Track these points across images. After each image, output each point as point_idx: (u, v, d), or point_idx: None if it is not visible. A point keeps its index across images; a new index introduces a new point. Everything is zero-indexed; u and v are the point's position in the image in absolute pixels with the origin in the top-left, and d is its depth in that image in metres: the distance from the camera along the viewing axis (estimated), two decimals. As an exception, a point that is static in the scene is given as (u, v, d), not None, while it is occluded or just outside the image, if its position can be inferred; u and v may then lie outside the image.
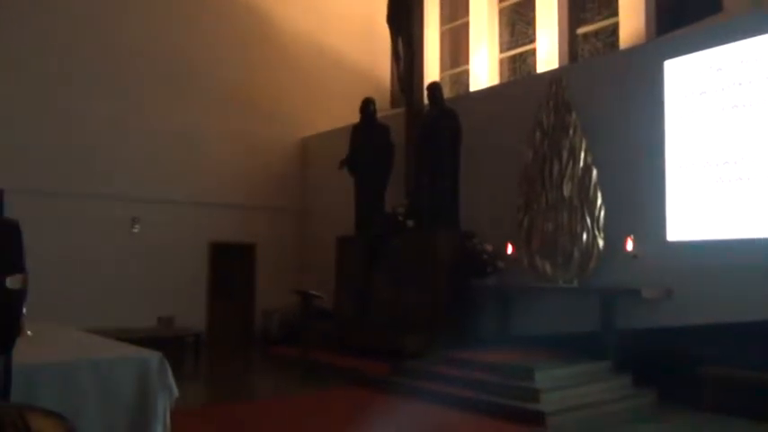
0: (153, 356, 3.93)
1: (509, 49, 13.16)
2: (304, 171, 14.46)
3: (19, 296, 2.03)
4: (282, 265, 13.69)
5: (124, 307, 11.39)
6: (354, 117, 12.13)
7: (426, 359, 8.71)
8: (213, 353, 12.10)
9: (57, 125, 11.36)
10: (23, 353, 3.27)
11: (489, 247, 9.72)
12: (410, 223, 10.70)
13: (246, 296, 13.60)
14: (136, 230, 12.18)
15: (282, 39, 14.08)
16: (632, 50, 9.49)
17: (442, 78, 13.98)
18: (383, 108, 13.38)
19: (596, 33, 11.54)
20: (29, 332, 4.66)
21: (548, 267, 9.11)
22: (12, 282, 2.01)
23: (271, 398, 8.54)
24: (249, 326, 13.51)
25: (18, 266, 2.04)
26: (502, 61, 13.24)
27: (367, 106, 11.90)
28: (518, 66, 13.02)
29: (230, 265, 13.42)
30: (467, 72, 13.84)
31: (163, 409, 3.90)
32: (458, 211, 10.45)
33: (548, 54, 11.83)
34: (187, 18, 12.81)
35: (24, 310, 4.68)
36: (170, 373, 3.98)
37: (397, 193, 11.53)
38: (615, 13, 11.04)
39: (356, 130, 12.02)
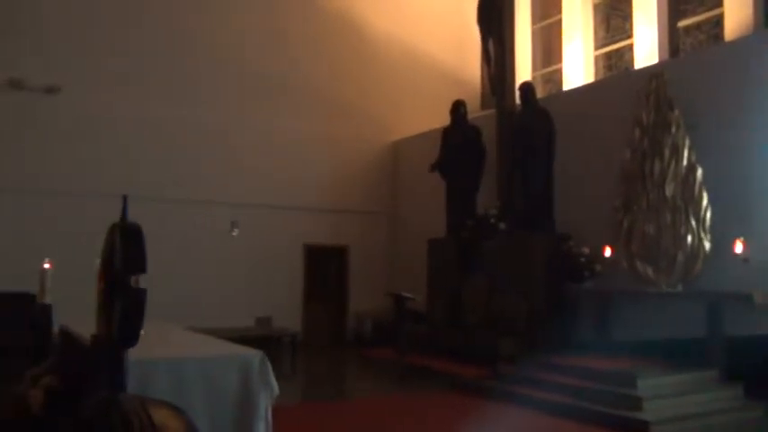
0: (255, 355, 4.06)
1: (604, 45, 12.74)
2: (395, 175, 14.56)
3: (144, 295, 2.16)
4: (374, 268, 13.84)
5: (224, 307, 11.84)
6: (445, 120, 12.10)
7: (522, 364, 8.56)
8: (308, 353, 12.37)
9: (162, 136, 11.96)
10: (137, 349, 3.47)
11: (586, 250, 9.43)
12: (502, 226, 10.55)
13: (339, 298, 13.84)
14: (235, 234, 12.66)
15: (373, 44, 14.26)
16: (739, 42, 8.97)
17: (533, 78, 13.70)
18: (474, 110, 13.27)
19: (699, 26, 10.97)
20: (141, 330, 4.95)
21: (649, 271, 8.73)
22: (136, 281, 2.14)
23: (366, 398, 8.63)
24: (342, 327, 13.74)
25: (141, 267, 2.17)
26: (597, 58, 12.82)
27: (457, 108, 11.84)
28: (614, 62, 12.58)
29: (324, 268, 13.71)
30: (560, 71, 13.50)
31: (264, 405, 4.02)
32: (552, 213, 10.21)
33: (647, 49, 11.36)
34: (278, 29, 13.19)
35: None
36: (271, 371, 4.10)
37: (488, 195, 11.40)
38: (719, 3, 10.47)
39: (447, 132, 11.99)
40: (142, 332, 4.83)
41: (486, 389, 8.18)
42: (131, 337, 2.18)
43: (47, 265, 5.49)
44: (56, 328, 5.37)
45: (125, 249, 2.12)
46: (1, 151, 10.61)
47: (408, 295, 10.04)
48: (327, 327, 13.59)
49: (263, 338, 10.87)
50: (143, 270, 2.17)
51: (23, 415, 3.65)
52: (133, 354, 3.17)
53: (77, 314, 4.26)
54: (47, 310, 5.43)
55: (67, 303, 5.77)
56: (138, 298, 2.14)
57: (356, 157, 14.05)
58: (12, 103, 10.77)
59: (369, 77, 14.09)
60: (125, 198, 2.46)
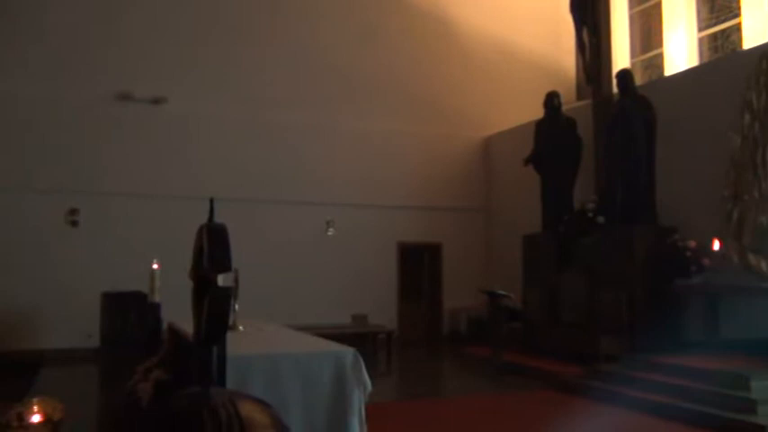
0: (348, 352, 4.13)
1: (709, 26, 12.03)
2: (488, 170, 14.39)
3: (228, 293, 2.25)
4: (468, 265, 13.73)
5: (321, 305, 12.14)
6: (538, 113, 11.83)
7: (624, 363, 8.23)
8: (404, 350, 12.45)
9: (260, 140, 12.39)
10: (236, 345, 3.62)
11: (692, 244, 8.94)
12: (601, 219, 10.19)
13: (434, 295, 13.84)
14: (330, 233, 12.94)
15: (463, 38, 14.14)
16: None
17: (632, 65, 13.15)
18: (569, 101, 12.91)
19: (816, -2, 10.15)
20: (240, 327, 5.15)
21: (763, 265, 8.16)
22: (222, 279, 2.24)
23: (463, 396, 8.58)
24: (437, 324, 13.73)
25: (226, 266, 2.26)
26: (701, 40, 12.13)
27: (551, 100, 11.54)
28: (720, 44, 11.85)
29: (418, 265, 13.75)
30: (660, 56, 12.88)
31: (358, 402, 4.08)
32: (654, 206, 9.75)
33: (756, 27, 10.63)
34: (369, 27, 13.34)
35: (237, 307, 5.19)
36: (364, 368, 4.15)
37: (585, 188, 11.05)
38: (840, -28, 9.66)
39: (540, 125, 11.71)
40: (241, 329, 5.04)
41: (585, 388, 7.94)
42: (217, 334, 2.27)
43: (155, 266, 5.80)
44: (164, 325, 5.66)
45: (211, 249, 2.22)
46: (113, 160, 11.36)
47: (503, 292, 9.89)
48: (422, 324, 13.63)
49: (359, 336, 11.08)
50: (228, 269, 2.26)
51: (134, 406, 3.89)
52: (231, 350, 3.31)
53: (184, 312, 4.49)
54: (156, 308, 5.74)
55: (175, 301, 6.08)
56: (223, 296, 2.23)
57: (449, 153, 13.99)
58: (122, 115, 11.51)
59: (460, 73, 14.00)
60: (212, 201, 2.57)
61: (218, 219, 2.55)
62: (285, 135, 12.60)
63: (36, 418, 3.11)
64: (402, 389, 9.51)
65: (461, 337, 12.94)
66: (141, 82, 11.60)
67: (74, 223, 11.18)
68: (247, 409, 1.21)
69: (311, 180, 12.71)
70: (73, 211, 11.18)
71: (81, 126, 11.26)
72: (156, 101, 11.67)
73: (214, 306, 2.02)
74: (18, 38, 10.94)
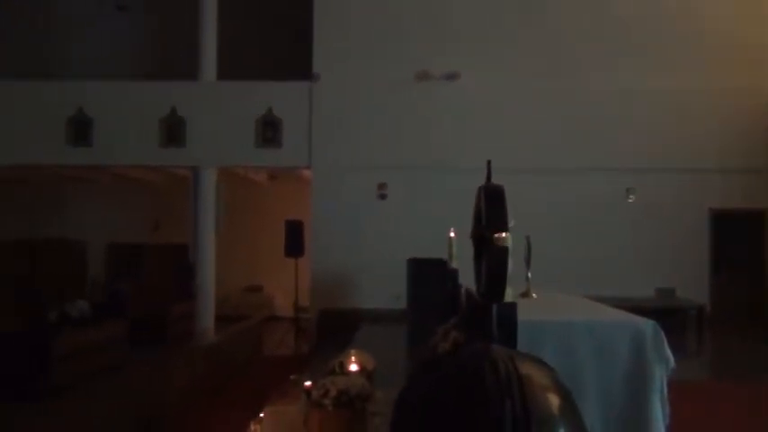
0: (646, 324, 3.89)
1: None
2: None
3: (505, 251, 2.29)
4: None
5: (622, 277, 11.58)
6: None
7: None
8: (716, 328, 11.26)
9: (554, 109, 12.17)
10: (528, 311, 3.66)
11: None
12: None
13: (755, 267, 12.21)
14: (631, 200, 12.21)
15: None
16: None
17: None
18: None
19: None
20: (534, 295, 5.18)
21: None
22: (498, 239, 2.28)
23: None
24: (760, 300, 12.11)
25: (503, 225, 2.30)
26: None
27: None
28: None
29: (734, 235, 12.24)
30: None
31: (660, 378, 3.83)
32: None
33: None
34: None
35: (529, 275, 5.23)
36: (666, 343, 3.88)
37: None
38: None
39: None
40: (534, 297, 5.07)
41: None
42: (496, 293, 2.32)
43: (452, 234, 6.12)
44: (462, 289, 5.95)
45: (488, 209, 2.27)
46: (410, 135, 12.21)
47: None
48: (741, 300, 12.14)
49: (664, 310, 10.31)
50: (505, 228, 2.29)
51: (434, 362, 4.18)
52: (523, 315, 3.36)
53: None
54: (454, 274, 6.06)
55: (471, 267, 6.35)
56: (500, 255, 2.26)
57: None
58: (418, 93, 12.27)
59: None
60: (489, 162, 2.61)
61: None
62: (581, 101, 12.18)
63: (354, 368, 3.55)
64: (713, 369, 8.66)
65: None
66: (437, 60, 12.21)
67: (382, 196, 12.32)
68: (527, 368, 1.23)
69: (609, 146, 12.10)
70: (381, 186, 12.32)
71: (386, 105, 12.30)
72: (450, 77, 12.18)
73: (491, 264, 2.07)
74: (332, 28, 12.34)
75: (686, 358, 3.67)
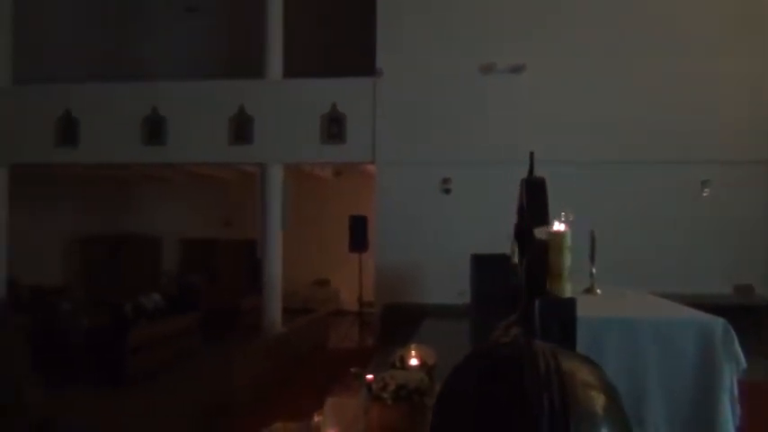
0: (716, 322, 3.76)
1: None
2: None
3: (543, 245, 2.26)
4: None
5: (696, 273, 11.14)
6: None
7: None
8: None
9: (624, 101, 11.81)
10: (590, 308, 3.60)
11: None
12: None
13: (844, 265, 11.53)
14: (705, 194, 11.73)
15: None
16: None
17: None
18: None
19: None
20: (598, 291, 5.07)
21: None
22: (540, 233, 2.25)
23: None
24: None
25: (543, 219, 2.26)
26: None
27: None
28: None
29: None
30: None
31: (729, 378, 3.70)
32: None
33: None
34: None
35: (594, 271, 5.12)
36: (736, 342, 3.73)
37: None
38: None
39: None
40: (598, 293, 4.96)
41: None
42: (537, 287, 2.29)
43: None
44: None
45: (529, 202, 2.24)
46: (478, 130, 12.09)
47: None
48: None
49: (742, 308, 9.84)
50: (545, 222, 2.25)
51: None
52: (585, 311, 3.29)
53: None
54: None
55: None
56: (539, 248, 2.23)
57: None
58: (483, 86, 12.13)
59: None
60: (531, 154, 2.58)
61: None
62: (653, 92, 11.75)
63: (414, 362, 3.57)
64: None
65: None
66: (502, 52, 12.04)
67: (446, 191, 12.27)
68: (570, 364, 1.22)
69: (683, 137, 11.64)
70: (445, 180, 12.27)
71: (450, 99, 12.23)
72: (515, 69, 11.99)
73: (531, 258, 2.05)
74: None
75: (761, 359, 3.52)
